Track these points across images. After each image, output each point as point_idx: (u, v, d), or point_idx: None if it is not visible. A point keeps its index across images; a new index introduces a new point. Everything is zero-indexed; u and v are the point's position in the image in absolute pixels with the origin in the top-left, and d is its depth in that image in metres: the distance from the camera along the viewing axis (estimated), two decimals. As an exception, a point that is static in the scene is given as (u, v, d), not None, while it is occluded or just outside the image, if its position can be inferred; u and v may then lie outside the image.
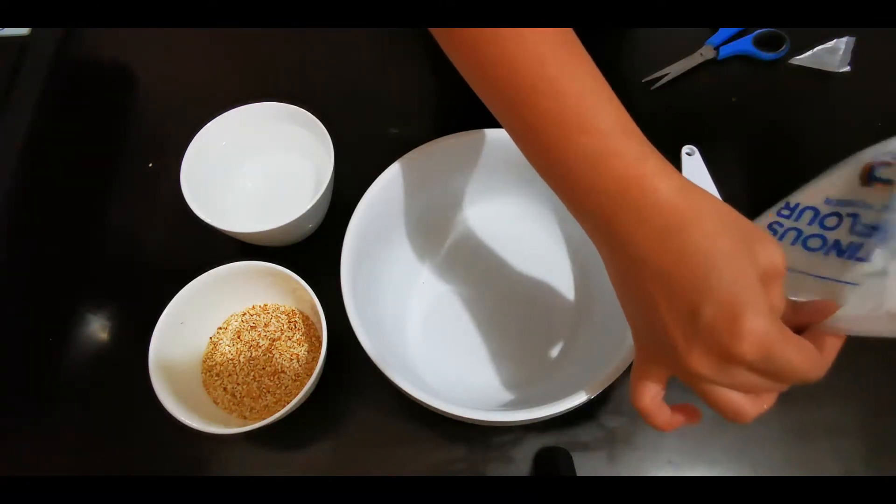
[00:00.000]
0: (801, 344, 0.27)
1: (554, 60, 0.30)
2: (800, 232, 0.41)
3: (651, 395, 0.32)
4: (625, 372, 0.38)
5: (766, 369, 0.26)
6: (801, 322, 0.32)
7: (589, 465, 0.46)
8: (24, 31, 0.66)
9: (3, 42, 0.66)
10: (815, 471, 0.45)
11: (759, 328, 0.26)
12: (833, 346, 0.30)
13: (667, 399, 0.33)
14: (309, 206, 0.48)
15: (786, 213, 0.43)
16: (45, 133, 0.62)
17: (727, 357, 0.26)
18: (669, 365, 0.30)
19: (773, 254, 0.28)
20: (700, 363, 0.27)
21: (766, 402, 0.30)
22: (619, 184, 0.29)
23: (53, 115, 0.63)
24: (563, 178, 0.31)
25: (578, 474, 0.45)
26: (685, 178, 0.29)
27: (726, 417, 0.29)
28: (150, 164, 0.59)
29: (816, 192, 0.42)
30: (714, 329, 0.26)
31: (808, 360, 0.27)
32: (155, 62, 0.66)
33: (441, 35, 0.35)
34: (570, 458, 0.45)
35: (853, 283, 0.33)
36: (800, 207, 0.43)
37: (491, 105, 0.35)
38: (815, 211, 0.42)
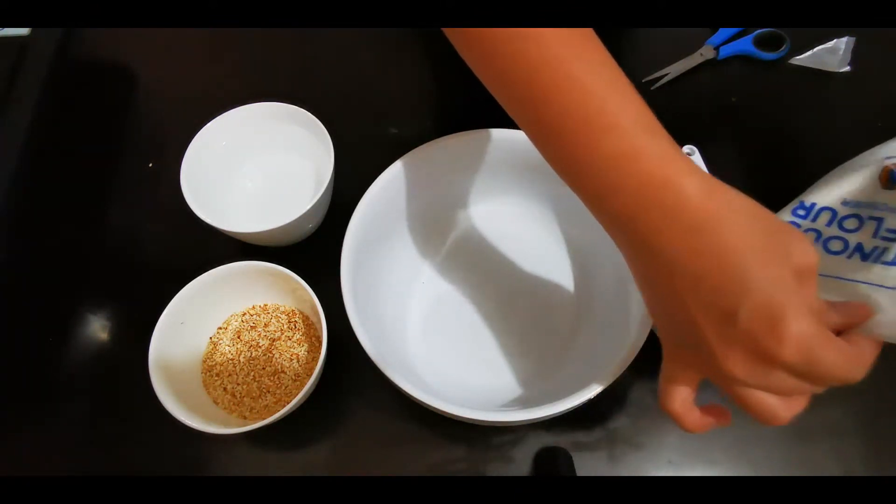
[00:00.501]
0: (841, 346, 0.26)
1: (574, 59, 0.30)
2: (819, 233, 0.41)
3: (681, 399, 0.32)
4: (625, 372, 0.38)
5: (806, 372, 0.26)
6: (836, 322, 0.31)
7: (589, 465, 0.46)
8: (24, 31, 0.66)
9: (3, 42, 0.66)
10: (815, 471, 0.45)
11: (802, 331, 0.25)
12: (871, 347, 0.30)
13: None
14: (309, 206, 0.48)
15: (801, 212, 0.43)
16: (45, 133, 0.62)
17: (768, 361, 0.26)
18: (702, 368, 0.29)
19: (805, 251, 0.27)
20: (738, 367, 0.27)
21: (799, 404, 0.29)
22: (644, 183, 0.28)
23: (53, 115, 0.63)
24: (585, 178, 0.31)
25: (578, 474, 0.45)
26: (712, 177, 0.28)
27: (760, 420, 0.29)
28: (150, 164, 0.59)
29: (832, 192, 0.42)
30: (753, 333, 0.26)
31: (849, 363, 0.26)
32: (155, 62, 0.66)
33: (454, 35, 0.35)
34: (570, 458, 0.45)
35: (888, 287, 0.33)
36: (816, 207, 0.42)
37: (507, 105, 0.34)
38: (833, 212, 0.41)
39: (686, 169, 0.28)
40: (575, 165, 0.31)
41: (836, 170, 0.44)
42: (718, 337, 0.27)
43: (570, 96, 0.30)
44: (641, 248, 0.29)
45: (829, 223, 0.41)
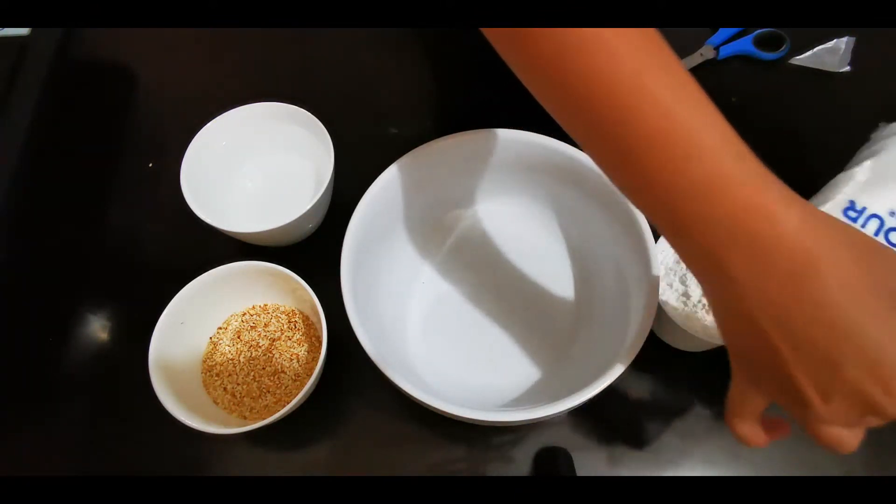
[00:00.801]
0: None
1: (650, 73, 0.27)
2: None
3: (750, 423, 0.31)
4: (625, 371, 0.38)
5: None
6: None
7: (589, 465, 0.46)
8: (24, 31, 0.66)
9: (3, 42, 0.66)
10: (815, 471, 0.45)
11: None
12: None
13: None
14: (309, 206, 0.48)
15: (853, 214, 0.41)
16: (45, 133, 0.62)
17: (872, 412, 0.26)
18: (780, 399, 0.29)
19: None
20: (836, 415, 0.26)
21: (863, 430, 0.29)
22: (735, 215, 0.26)
23: (53, 115, 0.63)
24: (664, 206, 0.28)
25: (578, 474, 0.45)
26: (810, 206, 0.26)
27: (828, 449, 0.28)
28: (150, 164, 0.59)
29: (881, 199, 0.40)
30: (860, 386, 0.25)
31: None
32: (155, 62, 0.66)
33: (503, 40, 0.31)
34: (570, 458, 0.45)
35: None
36: (867, 213, 0.41)
37: (567, 121, 0.31)
38: (881, 220, 0.40)
39: (782, 197, 0.26)
40: (652, 192, 0.28)
41: (878, 161, 0.43)
42: (817, 386, 0.26)
43: (647, 115, 0.27)
44: (725, 284, 0.27)
45: (877, 232, 0.40)
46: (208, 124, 0.52)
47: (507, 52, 0.31)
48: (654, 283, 0.41)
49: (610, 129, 0.28)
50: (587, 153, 0.31)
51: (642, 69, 0.27)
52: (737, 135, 0.27)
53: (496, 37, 0.31)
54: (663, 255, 0.46)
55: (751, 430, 0.31)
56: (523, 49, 0.29)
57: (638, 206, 0.30)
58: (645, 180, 0.28)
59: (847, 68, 0.60)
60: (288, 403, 0.42)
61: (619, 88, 0.27)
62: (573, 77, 0.28)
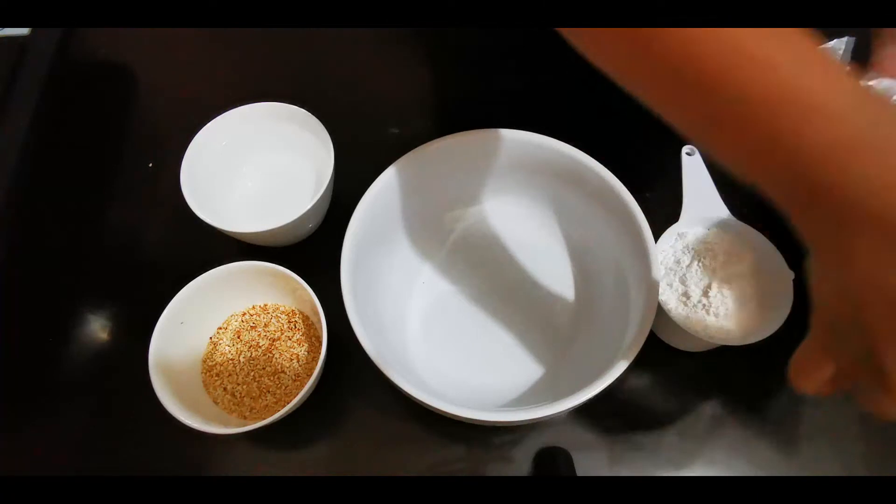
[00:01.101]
0: None
1: (751, 33, 0.25)
2: None
3: (818, 385, 0.29)
4: (625, 372, 0.38)
5: None
6: None
7: (589, 465, 0.46)
8: (24, 31, 0.66)
9: (3, 42, 0.66)
10: (815, 471, 0.45)
11: None
12: None
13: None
14: (309, 206, 0.48)
15: None
16: (45, 133, 0.62)
17: None
18: (863, 380, 0.27)
19: None
20: None
21: None
22: (869, 191, 0.22)
23: (53, 115, 0.63)
24: (783, 173, 0.25)
25: (578, 474, 0.45)
26: None
27: (881, 417, 0.27)
28: (150, 164, 0.59)
29: None
30: None
31: None
32: (155, 62, 0.66)
33: (600, 33, 0.29)
34: (570, 458, 0.45)
35: None
36: None
37: (659, 98, 0.28)
38: None
39: None
40: (764, 161, 0.25)
41: None
42: None
43: (757, 78, 0.24)
44: (845, 267, 0.24)
45: None
46: (208, 124, 0.52)
47: (592, 40, 0.29)
48: (654, 283, 0.41)
49: (708, 93, 0.26)
50: (682, 127, 0.28)
51: (740, 31, 0.25)
52: (877, 100, 0.24)
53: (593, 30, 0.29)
54: (663, 255, 0.46)
55: (815, 388, 0.29)
56: (616, 36, 0.28)
57: (752, 177, 0.27)
58: (759, 149, 0.25)
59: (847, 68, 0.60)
60: (288, 403, 0.42)
61: (716, 47, 0.25)
62: (676, 58, 0.26)
